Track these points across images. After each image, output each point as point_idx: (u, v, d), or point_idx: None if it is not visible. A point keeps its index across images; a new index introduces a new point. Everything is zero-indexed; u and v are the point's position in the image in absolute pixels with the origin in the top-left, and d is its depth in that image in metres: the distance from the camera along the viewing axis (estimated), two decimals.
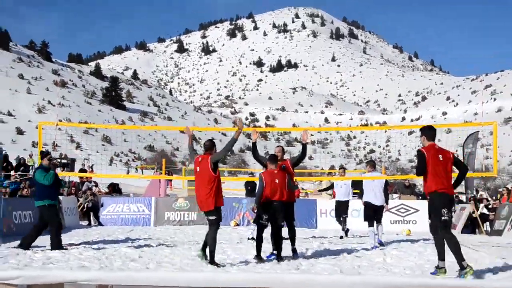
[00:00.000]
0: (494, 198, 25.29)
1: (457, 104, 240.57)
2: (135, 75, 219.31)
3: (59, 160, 10.77)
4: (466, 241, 13.66)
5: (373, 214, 12.10)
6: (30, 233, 10.45)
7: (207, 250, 8.62)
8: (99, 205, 19.25)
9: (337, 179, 14.80)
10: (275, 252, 9.17)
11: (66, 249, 10.22)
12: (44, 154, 10.87)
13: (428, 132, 7.78)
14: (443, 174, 7.43)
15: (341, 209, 14.32)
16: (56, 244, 10.23)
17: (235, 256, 9.88)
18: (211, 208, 8.47)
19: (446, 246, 7.44)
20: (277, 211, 9.00)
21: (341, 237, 13.63)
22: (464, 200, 23.16)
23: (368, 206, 12.17)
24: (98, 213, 19.41)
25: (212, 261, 8.43)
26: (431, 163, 7.46)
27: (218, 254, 10.10)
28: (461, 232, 17.91)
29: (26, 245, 10.22)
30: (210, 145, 8.88)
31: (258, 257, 8.99)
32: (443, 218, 7.37)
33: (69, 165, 10.85)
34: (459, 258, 7.19)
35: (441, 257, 7.52)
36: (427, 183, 7.51)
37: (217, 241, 12.71)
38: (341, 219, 14.19)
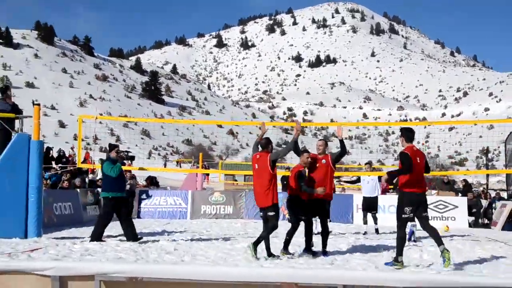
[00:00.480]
0: None
1: (500, 100, 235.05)
2: (174, 70, 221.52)
3: (126, 153, 10.90)
4: (507, 238, 13.31)
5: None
6: (97, 224, 10.64)
7: (262, 245, 8.84)
8: (133, 198, 19.30)
9: (364, 174, 14.55)
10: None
11: (104, 241, 10.31)
12: (112, 147, 10.89)
13: (408, 133, 8.40)
14: (416, 175, 7.96)
15: (368, 206, 14.08)
16: (95, 236, 10.34)
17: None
18: (269, 204, 8.68)
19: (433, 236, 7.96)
20: (308, 207, 9.07)
21: (365, 233, 13.38)
22: (506, 197, 22.59)
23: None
24: (132, 204, 19.42)
25: (269, 254, 8.71)
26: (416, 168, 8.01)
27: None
28: (502, 229, 17.46)
29: (96, 236, 10.39)
30: (265, 143, 8.99)
31: (286, 250, 9.05)
32: (403, 216, 7.84)
33: (134, 158, 10.95)
34: (398, 252, 7.80)
35: (400, 252, 7.86)
36: (401, 180, 7.99)
37: (253, 235, 12.74)
38: (371, 215, 13.96)
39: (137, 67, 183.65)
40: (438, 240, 7.88)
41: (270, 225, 8.77)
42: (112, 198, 10.39)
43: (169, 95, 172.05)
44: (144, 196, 19.83)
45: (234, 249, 9.89)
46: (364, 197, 14.24)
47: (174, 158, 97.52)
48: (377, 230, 13.63)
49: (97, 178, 25.23)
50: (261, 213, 8.99)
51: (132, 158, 11.65)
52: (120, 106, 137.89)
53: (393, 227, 13.45)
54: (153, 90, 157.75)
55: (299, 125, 9.18)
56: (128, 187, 18.97)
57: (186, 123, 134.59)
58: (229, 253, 9.29)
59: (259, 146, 9.19)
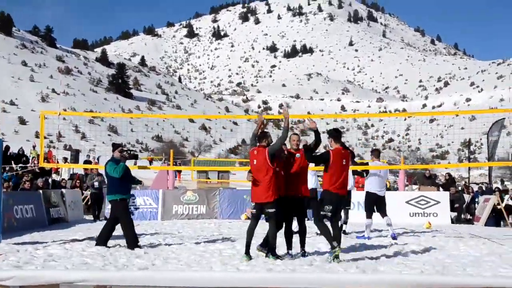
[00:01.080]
0: None
1: (481, 89, 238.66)
2: (142, 62, 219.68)
3: (129, 152, 10.47)
4: (490, 234, 13.53)
5: (374, 205, 12.44)
6: (104, 228, 10.51)
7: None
8: (104, 197, 19.17)
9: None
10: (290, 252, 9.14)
11: (140, 247, 10.13)
12: (115, 146, 10.75)
13: (335, 134, 8.97)
14: (341, 177, 8.67)
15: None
16: (132, 241, 10.16)
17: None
18: (269, 199, 8.71)
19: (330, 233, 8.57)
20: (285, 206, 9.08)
21: (344, 231, 13.23)
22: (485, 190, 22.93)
23: (371, 196, 12.43)
24: (101, 205, 19.43)
25: (273, 254, 8.75)
26: (333, 165, 8.63)
27: (228, 249, 10.07)
28: (485, 225, 17.75)
29: (103, 241, 10.27)
30: (261, 136, 9.04)
31: (263, 247, 9.03)
32: (322, 212, 8.57)
33: (137, 156, 10.50)
34: (329, 240, 8.45)
35: (330, 240, 8.48)
36: (325, 179, 8.69)
37: (228, 236, 12.72)
38: (343, 211, 13.84)
39: (103, 59, 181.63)
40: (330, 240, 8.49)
41: (271, 224, 8.80)
42: (122, 200, 10.33)
43: (138, 88, 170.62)
44: None
45: (208, 251, 9.86)
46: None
47: (143, 155, 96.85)
48: (344, 231, 12.98)
49: (61, 178, 24.86)
50: (253, 210, 8.99)
51: (135, 157, 11.35)
52: (85, 101, 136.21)
53: (374, 224, 13.51)
54: (120, 84, 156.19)
55: (287, 113, 9.25)
56: (96, 184, 18.94)
57: (156, 117, 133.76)
58: (202, 255, 9.25)
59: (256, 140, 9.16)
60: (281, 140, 8.84)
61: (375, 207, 12.37)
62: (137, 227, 15.52)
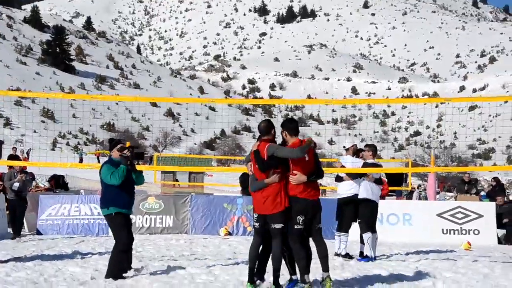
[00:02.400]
0: None
1: None
2: (88, 25, 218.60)
3: (131, 150, 9.94)
4: None
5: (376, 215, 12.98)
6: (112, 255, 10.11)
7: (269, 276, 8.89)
8: (26, 205, 18.78)
9: (337, 170, 14.36)
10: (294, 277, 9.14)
11: (123, 278, 9.79)
12: (113, 143, 10.41)
13: (290, 125, 8.94)
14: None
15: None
16: (112, 271, 9.76)
17: (226, 277, 9.81)
18: (277, 210, 8.67)
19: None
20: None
21: (347, 255, 13.22)
22: None
23: (375, 205, 12.93)
24: (22, 215, 18.70)
25: (277, 285, 8.73)
26: (294, 162, 8.63)
27: (202, 275, 10.04)
28: None
29: (116, 274, 9.77)
30: (265, 127, 8.96)
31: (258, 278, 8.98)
32: (296, 226, 8.57)
33: (142, 155, 10.04)
34: (302, 271, 8.56)
35: (303, 271, 8.57)
36: (289, 184, 8.72)
37: (203, 256, 12.69)
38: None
39: (34, 20, 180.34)
40: (325, 264, 8.67)
41: (275, 245, 8.72)
42: (118, 215, 9.98)
43: (82, 60, 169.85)
44: (46, 203, 19.50)
45: (176, 277, 9.83)
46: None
47: (90, 150, 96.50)
48: (346, 254, 12.89)
49: None
50: (257, 224, 8.93)
51: (140, 156, 10.95)
52: (10, 76, 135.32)
53: (395, 243, 13.58)
54: (58, 54, 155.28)
55: (311, 141, 9.23)
56: (16, 185, 17.97)
57: (106, 99, 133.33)
58: (169, 282, 9.22)
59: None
60: (290, 152, 8.74)
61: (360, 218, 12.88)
62: (81, 244, 15.46)
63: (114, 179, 9.86)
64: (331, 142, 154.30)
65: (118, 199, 10.01)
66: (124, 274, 9.83)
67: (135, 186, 10.42)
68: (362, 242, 13.05)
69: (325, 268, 8.65)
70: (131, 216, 10.72)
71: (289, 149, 8.67)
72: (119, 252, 9.92)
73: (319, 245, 8.71)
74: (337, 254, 12.68)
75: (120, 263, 9.89)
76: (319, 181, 9.39)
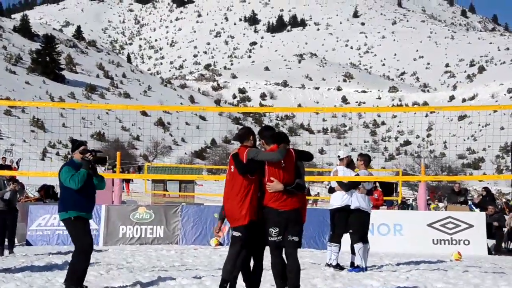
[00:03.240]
0: None
1: None
2: (78, 34, 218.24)
3: (94, 154, 9.45)
4: None
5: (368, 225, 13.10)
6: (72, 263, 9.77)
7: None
8: (17, 217, 18.37)
9: (330, 179, 14.34)
10: None
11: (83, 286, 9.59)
12: (76, 145, 9.96)
13: (265, 133, 8.88)
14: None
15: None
16: (72, 278, 9.45)
17: None
18: (242, 222, 8.57)
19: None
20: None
21: (338, 266, 13.19)
22: None
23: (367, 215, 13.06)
24: (15, 227, 18.05)
25: None
26: (270, 169, 8.49)
27: (193, 286, 10.02)
28: None
29: (76, 282, 9.51)
30: (243, 133, 8.96)
31: None
32: (270, 239, 8.43)
33: (104, 160, 9.75)
34: (277, 285, 8.40)
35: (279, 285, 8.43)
36: (266, 192, 8.56)
37: (193, 267, 12.66)
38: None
39: (24, 29, 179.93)
40: (292, 280, 8.31)
41: (229, 252, 8.66)
42: (78, 219, 9.58)
43: (72, 69, 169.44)
44: (36, 213, 19.43)
45: (167, 287, 9.81)
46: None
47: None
48: (352, 264, 13.03)
49: None
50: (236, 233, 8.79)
51: (102, 161, 10.67)
52: (0, 85, 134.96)
53: (386, 253, 13.61)
54: (48, 63, 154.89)
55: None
56: (7, 195, 17.10)
57: (96, 108, 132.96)
58: None
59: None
60: (269, 156, 8.62)
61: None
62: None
63: (73, 183, 9.48)
64: (321, 151, 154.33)
65: (78, 202, 9.61)
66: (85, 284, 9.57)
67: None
68: (353, 252, 13.06)
69: (291, 283, 8.32)
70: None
71: (268, 152, 8.59)
72: (80, 257, 9.58)
73: (288, 259, 8.42)
74: (328, 265, 12.69)
75: (81, 270, 9.57)
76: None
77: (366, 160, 13.30)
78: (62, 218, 9.72)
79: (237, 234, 8.57)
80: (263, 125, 7.15)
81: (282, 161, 8.45)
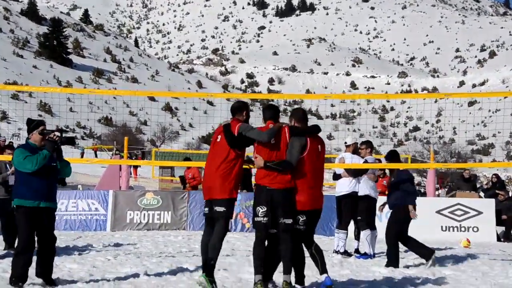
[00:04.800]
0: None
1: None
2: (86, 18, 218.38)
3: (59, 134, 8.59)
4: None
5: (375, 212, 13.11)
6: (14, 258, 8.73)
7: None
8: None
9: (339, 166, 14.12)
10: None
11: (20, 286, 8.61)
12: (33, 125, 8.70)
13: (265, 111, 8.66)
14: (269, 159, 8.13)
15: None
16: (14, 276, 8.55)
17: (224, 274, 9.83)
18: (222, 196, 8.34)
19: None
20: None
21: (346, 253, 13.09)
22: None
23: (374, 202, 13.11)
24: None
25: (208, 273, 8.26)
26: (258, 145, 8.27)
27: (201, 272, 10.03)
28: None
29: (15, 280, 8.55)
30: (238, 107, 8.72)
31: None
32: (256, 219, 8.13)
33: (73, 141, 8.59)
34: (256, 270, 8.03)
35: (258, 271, 8.06)
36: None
37: (197, 253, 12.69)
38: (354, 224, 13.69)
39: (31, 13, 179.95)
40: (285, 266, 8.02)
41: (216, 230, 8.35)
42: (21, 208, 8.51)
43: (79, 53, 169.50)
44: None
45: (174, 273, 9.84)
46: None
47: (87, 144, 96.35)
48: (356, 250, 13.08)
49: None
50: (206, 209, 8.58)
51: (71, 142, 9.38)
52: (7, 69, 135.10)
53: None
54: (55, 47, 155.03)
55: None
56: (11, 179, 15.58)
57: (104, 93, 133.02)
58: (167, 279, 9.24)
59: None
60: (256, 135, 8.40)
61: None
62: (79, 240, 15.46)
63: (29, 164, 8.30)
64: (330, 137, 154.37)
65: (27, 189, 8.48)
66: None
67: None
68: (356, 238, 13.10)
69: (285, 270, 7.98)
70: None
71: (258, 131, 8.31)
72: (16, 254, 8.60)
73: (281, 244, 8.05)
74: (336, 252, 12.71)
75: (20, 267, 8.49)
76: None
77: (370, 146, 13.29)
78: (16, 205, 8.59)
79: (221, 209, 8.30)
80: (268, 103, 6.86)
81: (273, 139, 8.17)
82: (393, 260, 11.15)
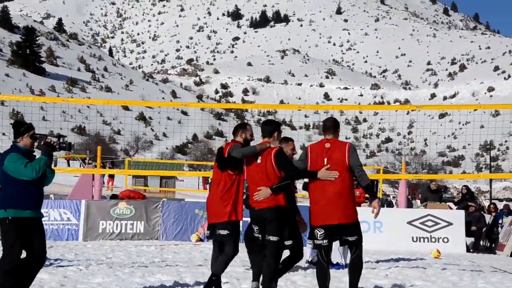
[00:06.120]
0: None
1: (509, 76, 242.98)
2: (59, 26, 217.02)
3: (55, 139, 8.15)
4: None
5: None
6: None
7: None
8: None
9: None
10: None
11: None
12: (24, 128, 8.12)
13: (262, 127, 8.69)
14: (253, 182, 8.33)
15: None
16: None
17: (197, 285, 9.81)
18: (223, 219, 8.52)
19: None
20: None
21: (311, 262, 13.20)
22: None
23: None
24: None
25: None
26: (246, 166, 8.41)
27: (173, 282, 10.02)
28: (511, 255, 18.03)
29: None
30: (234, 128, 8.87)
31: None
32: (255, 235, 8.37)
33: (71, 147, 8.20)
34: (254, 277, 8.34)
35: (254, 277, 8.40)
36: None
37: (173, 263, 12.66)
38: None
39: (4, 21, 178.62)
40: (267, 281, 8.07)
41: (224, 251, 8.57)
42: (13, 221, 7.78)
43: (53, 62, 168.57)
44: None
45: (147, 284, 9.79)
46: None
47: (60, 153, 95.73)
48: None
49: None
50: (208, 232, 8.82)
51: (69, 147, 8.55)
52: None
53: (366, 250, 13.66)
54: (28, 55, 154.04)
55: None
56: None
57: (77, 102, 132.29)
58: None
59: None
60: (235, 152, 8.49)
61: None
62: (50, 249, 15.32)
63: (29, 171, 7.70)
64: (303, 148, 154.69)
65: (23, 198, 7.84)
66: None
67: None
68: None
69: (263, 284, 8.08)
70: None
71: (237, 148, 8.43)
72: (5, 272, 7.77)
73: (265, 260, 8.16)
74: (308, 262, 12.72)
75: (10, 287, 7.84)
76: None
77: None
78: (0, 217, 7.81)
79: (224, 232, 8.46)
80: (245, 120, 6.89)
81: (258, 159, 8.26)
82: None
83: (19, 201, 7.78)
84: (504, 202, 25.81)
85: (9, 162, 7.77)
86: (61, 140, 8.19)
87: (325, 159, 8.19)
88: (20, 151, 7.91)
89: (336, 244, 12.65)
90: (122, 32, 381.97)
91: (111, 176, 43.70)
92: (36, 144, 8.14)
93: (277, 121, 9.11)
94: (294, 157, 11.08)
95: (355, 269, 8.36)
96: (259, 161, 8.26)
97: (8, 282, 7.79)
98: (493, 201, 26.13)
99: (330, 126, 8.55)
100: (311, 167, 8.23)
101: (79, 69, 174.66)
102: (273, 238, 8.09)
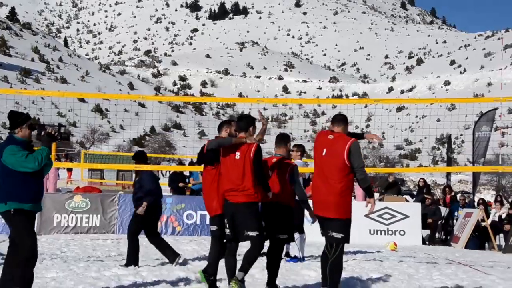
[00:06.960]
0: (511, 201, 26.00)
1: (464, 70, 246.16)
2: (12, 16, 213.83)
3: (58, 128, 8.11)
4: (473, 260, 13.96)
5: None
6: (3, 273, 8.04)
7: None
8: None
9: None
10: None
11: None
12: (23, 118, 7.97)
13: (239, 122, 8.82)
14: (229, 174, 8.46)
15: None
16: (19, 283, 7.85)
17: (154, 278, 9.77)
18: (210, 214, 9.02)
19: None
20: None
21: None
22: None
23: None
24: None
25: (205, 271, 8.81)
26: (221, 161, 8.55)
27: (129, 276, 9.97)
28: (466, 247, 18.30)
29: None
30: (219, 124, 9.22)
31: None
32: (226, 231, 8.56)
33: (69, 137, 8.24)
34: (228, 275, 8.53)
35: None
36: None
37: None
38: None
39: None
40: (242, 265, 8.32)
41: (211, 246, 8.97)
42: (20, 212, 7.80)
43: (6, 52, 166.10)
44: None
45: (102, 278, 9.73)
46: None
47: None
48: (287, 254, 12.96)
49: None
50: (212, 227, 9.06)
51: (68, 137, 8.44)
52: None
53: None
54: None
55: (265, 121, 9.44)
56: None
57: (32, 94, 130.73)
58: (95, 284, 9.12)
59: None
60: (208, 145, 8.72)
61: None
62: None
63: (32, 162, 7.64)
64: (261, 141, 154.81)
65: (26, 191, 7.78)
66: None
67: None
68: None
69: (240, 268, 8.38)
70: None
71: (211, 141, 8.75)
72: (25, 260, 7.87)
73: (249, 251, 8.43)
74: (263, 254, 12.71)
75: (27, 283, 7.94)
76: None
77: (302, 150, 13.27)
78: (2, 211, 7.85)
79: (213, 228, 8.89)
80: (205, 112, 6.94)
81: (237, 155, 8.41)
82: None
83: (19, 194, 7.75)
84: (459, 195, 26.10)
85: (8, 155, 7.67)
86: (62, 130, 8.33)
87: (324, 150, 8.51)
88: (18, 142, 7.80)
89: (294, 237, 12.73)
90: (78, 23, 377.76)
91: (69, 169, 43.27)
92: (33, 134, 8.07)
93: (253, 116, 9.16)
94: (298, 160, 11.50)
95: (337, 269, 8.57)
96: (237, 157, 8.42)
97: (26, 277, 7.89)
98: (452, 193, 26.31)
99: (340, 119, 9.11)
100: (313, 153, 8.67)
101: (33, 60, 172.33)
102: (249, 233, 8.29)
